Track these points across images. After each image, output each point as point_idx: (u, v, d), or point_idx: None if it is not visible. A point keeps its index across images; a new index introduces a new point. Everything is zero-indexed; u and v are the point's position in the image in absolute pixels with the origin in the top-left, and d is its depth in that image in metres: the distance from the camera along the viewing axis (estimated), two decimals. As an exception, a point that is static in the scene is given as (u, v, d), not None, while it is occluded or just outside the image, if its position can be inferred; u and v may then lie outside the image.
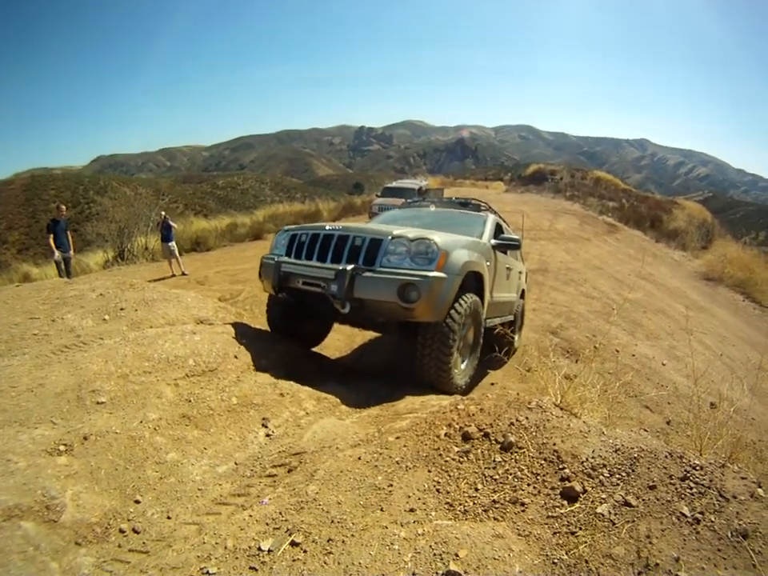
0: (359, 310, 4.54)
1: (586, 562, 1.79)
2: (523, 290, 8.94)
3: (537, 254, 16.13)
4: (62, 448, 2.78)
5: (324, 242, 4.87)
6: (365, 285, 4.43)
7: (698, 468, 2.19)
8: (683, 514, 1.93)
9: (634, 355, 8.90)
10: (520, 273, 8.51)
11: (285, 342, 5.36)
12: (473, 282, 5.14)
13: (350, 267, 4.45)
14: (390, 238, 4.57)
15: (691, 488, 2.07)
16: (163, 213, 13.80)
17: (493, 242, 6.03)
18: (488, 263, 5.52)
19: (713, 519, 1.90)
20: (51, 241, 11.07)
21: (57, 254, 11.06)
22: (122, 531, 2.33)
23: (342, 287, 4.41)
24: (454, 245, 4.76)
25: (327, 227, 5.08)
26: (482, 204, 7.49)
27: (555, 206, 27.57)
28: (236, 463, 3.05)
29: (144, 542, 2.26)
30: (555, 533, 1.95)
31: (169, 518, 2.46)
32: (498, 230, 6.71)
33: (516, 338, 8.32)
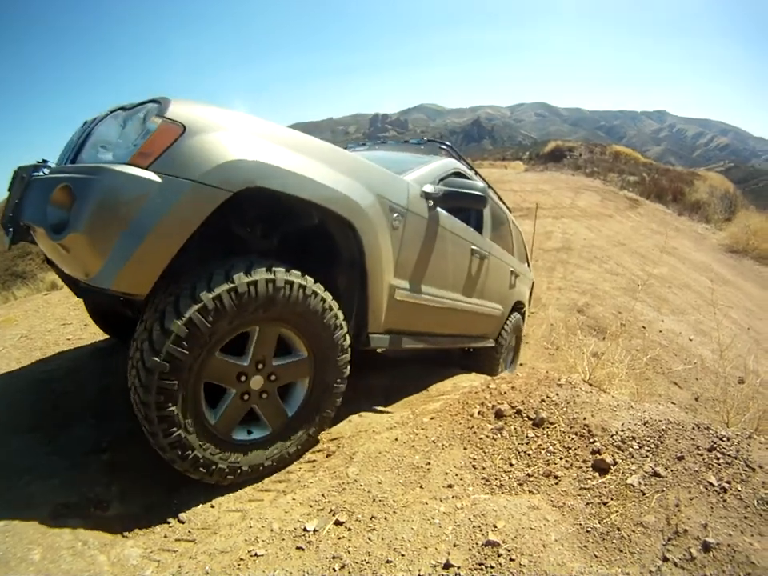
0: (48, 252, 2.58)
1: (618, 529, 1.86)
2: (519, 303, 6.45)
3: (560, 233, 16.07)
4: (104, 445, 2.88)
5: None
6: (29, 196, 2.50)
7: (724, 439, 2.23)
8: (711, 484, 1.98)
9: (660, 331, 8.88)
10: (514, 274, 6.02)
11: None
12: (350, 243, 2.86)
13: (33, 164, 2.62)
14: (111, 112, 2.57)
15: (718, 458, 2.12)
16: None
17: (428, 187, 3.52)
18: (396, 215, 3.11)
19: (739, 488, 1.94)
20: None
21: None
22: (167, 522, 2.36)
23: (12, 202, 2.59)
24: (221, 122, 2.28)
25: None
26: (444, 144, 4.96)
27: (576, 183, 27.22)
28: (274, 450, 3.12)
29: (190, 531, 2.30)
30: (588, 503, 2.02)
31: (212, 506, 2.50)
32: (455, 178, 4.00)
33: (504, 371, 6.05)
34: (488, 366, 5.74)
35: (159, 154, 2.08)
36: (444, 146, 4.89)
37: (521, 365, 6.37)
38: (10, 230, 2.55)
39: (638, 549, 1.77)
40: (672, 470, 2.10)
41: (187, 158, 2.12)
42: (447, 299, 3.98)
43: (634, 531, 1.85)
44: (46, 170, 2.54)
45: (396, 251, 3.16)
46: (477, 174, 5.13)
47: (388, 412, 3.39)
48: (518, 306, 6.39)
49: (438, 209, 3.63)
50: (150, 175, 2.04)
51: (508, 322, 5.97)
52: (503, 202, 6.20)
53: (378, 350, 3.61)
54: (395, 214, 3.10)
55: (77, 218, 1.99)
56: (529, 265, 7.46)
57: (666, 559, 1.71)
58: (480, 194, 3.57)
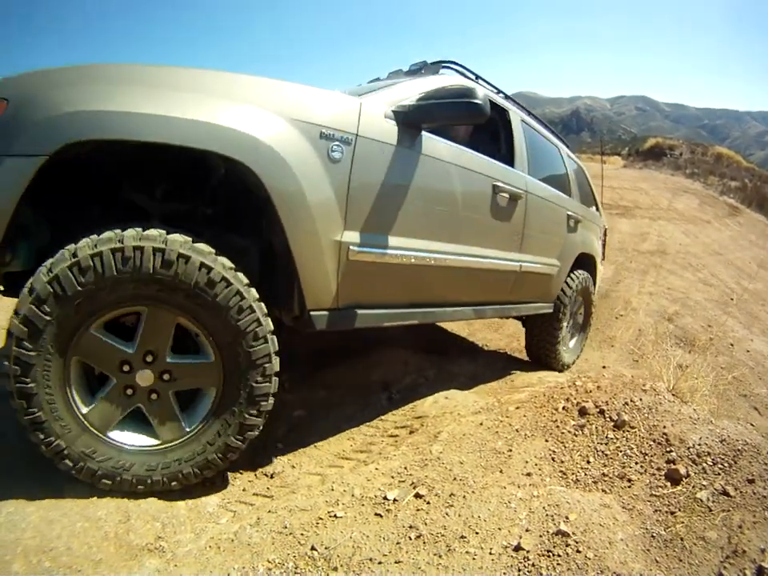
0: None
1: (681, 539, 1.95)
2: (585, 255, 5.05)
3: (655, 235, 15.48)
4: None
5: None
6: None
7: (796, 470, 2.25)
8: (775, 511, 2.04)
9: (748, 351, 8.51)
10: (573, 218, 4.65)
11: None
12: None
13: None
14: None
15: (787, 488, 2.15)
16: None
17: (399, 106, 2.69)
18: (335, 145, 2.32)
19: (802, 520, 1.99)
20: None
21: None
22: (246, 478, 2.49)
23: None
24: (48, 82, 1.95)
25: None
26: (451, 63, 3.77)
27: (674, 184, 25.97)
28: (358, 423, 3.24)
29: (268, 488, 2.40)
30: (656, 510, 2.11)
31: (293, 467, 2.62)
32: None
33: (565, 347, 5.02)
34: (541, 341, 4.77)
35: None
36: (450, 65, 3.74)
37: (603, 367, 6.21)
38: None
39: (696, 561, 1.87)
40: (741, 492, 2.16)
41: (3, 132, 1.86)
42: (451, 254, 3.06)
43: (695, 544, 1.93)
44: None
45: (343, 192, 2.38)
46: (508, 98, 4.20)
47: (473, 398, 3.49)
48: (583, 260, 5.05)
49: (425, 133, 2.78)
50: None
51: (570, 280, 4.74)
52: (557, 136, 5.14)
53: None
54: (334, 143, 2.32)
55: None
56: (598, 208, 6.01)
57: (720, 575, 1.81)
58: (473, 100, 2.56)
